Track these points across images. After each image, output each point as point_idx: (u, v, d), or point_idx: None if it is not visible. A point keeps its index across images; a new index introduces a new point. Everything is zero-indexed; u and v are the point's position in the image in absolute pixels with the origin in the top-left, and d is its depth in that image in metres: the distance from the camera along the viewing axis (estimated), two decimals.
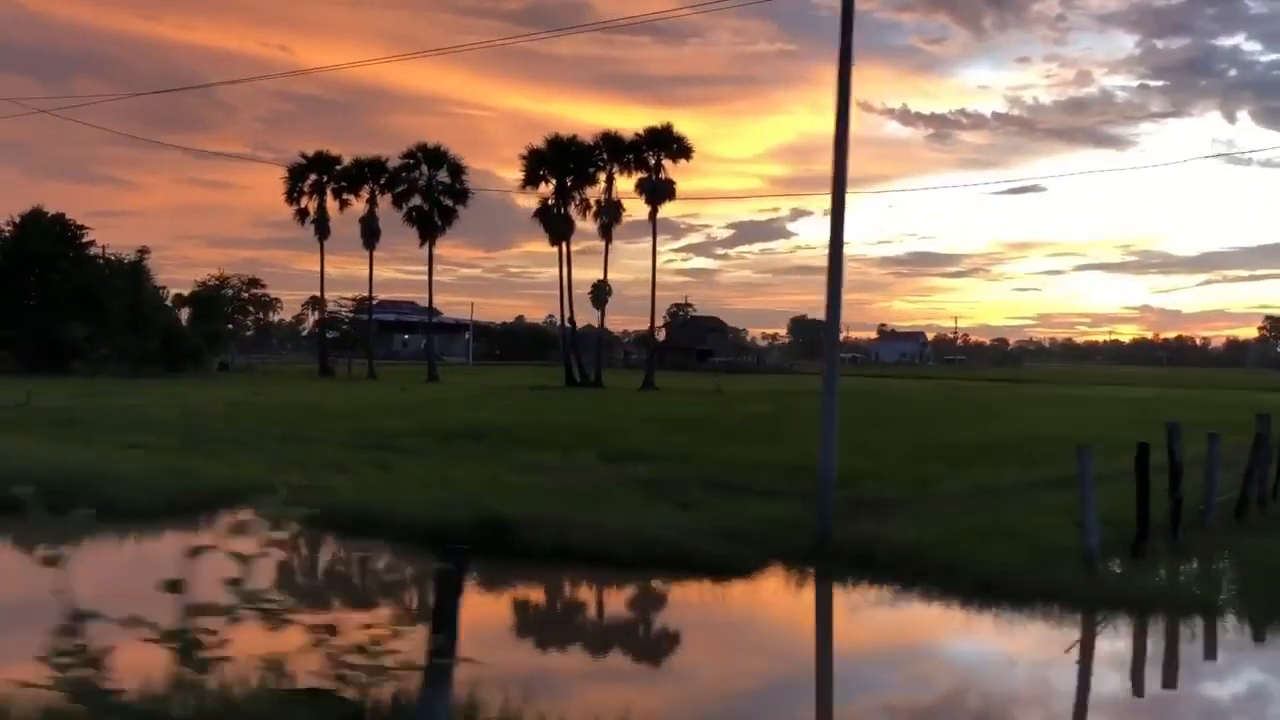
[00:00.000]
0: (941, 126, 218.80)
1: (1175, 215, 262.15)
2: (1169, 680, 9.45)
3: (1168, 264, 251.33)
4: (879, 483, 16.66)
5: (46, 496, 12.76)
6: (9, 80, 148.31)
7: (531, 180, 61.46)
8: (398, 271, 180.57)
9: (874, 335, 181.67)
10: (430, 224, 66.71)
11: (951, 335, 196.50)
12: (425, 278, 69.06)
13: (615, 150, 61.09)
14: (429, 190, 66.91)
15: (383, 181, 68.36)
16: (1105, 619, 10.39)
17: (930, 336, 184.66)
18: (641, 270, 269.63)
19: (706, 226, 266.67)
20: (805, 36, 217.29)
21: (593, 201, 62.11)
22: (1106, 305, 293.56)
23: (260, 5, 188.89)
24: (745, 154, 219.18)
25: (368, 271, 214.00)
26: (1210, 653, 10.21)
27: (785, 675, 9.43)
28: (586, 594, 12.19)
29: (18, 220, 63.32)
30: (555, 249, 63.02)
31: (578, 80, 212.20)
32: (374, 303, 78.39)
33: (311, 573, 13.41)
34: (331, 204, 70.09)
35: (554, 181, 61.44)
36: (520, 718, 6.05)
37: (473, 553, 4.96)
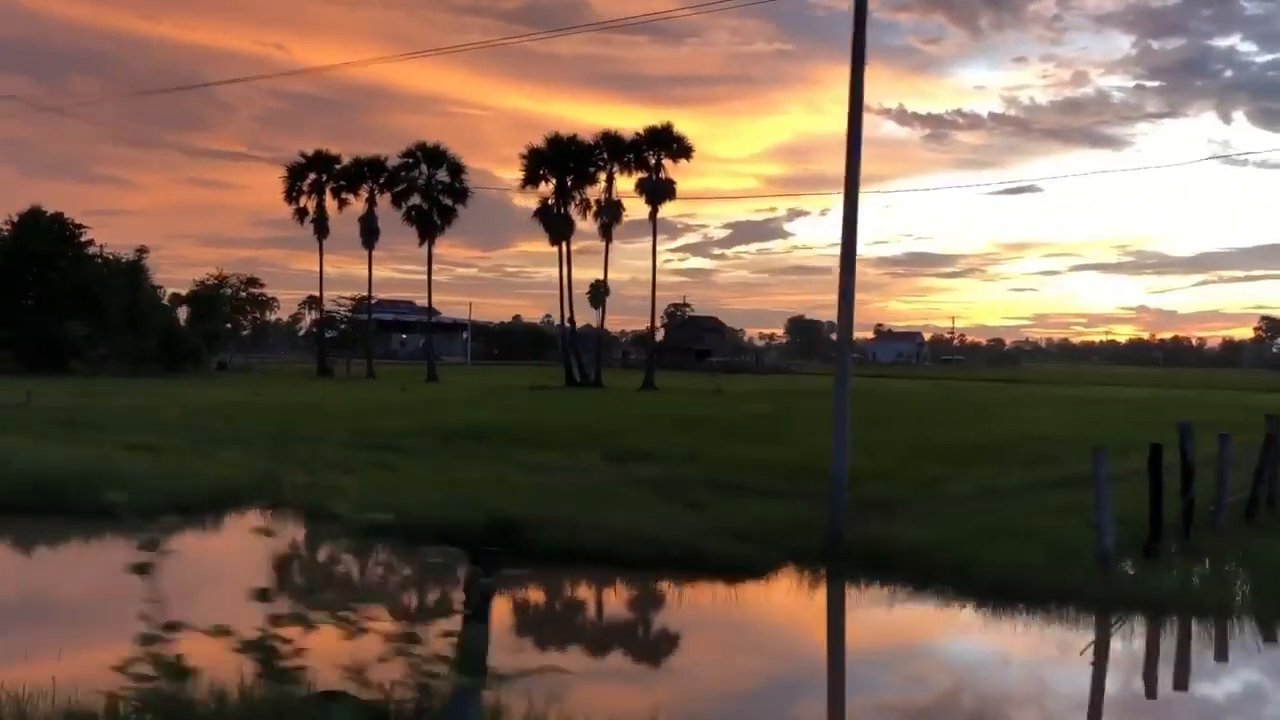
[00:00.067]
0: (938, 126, 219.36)
1: (1171, 216, 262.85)
2: (1180, 681, 9.46)
3: (1163, 264, 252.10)
4: (883, 483, 16.65)
5: (54, 496, 12.65)
6: (5, 79, 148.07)
7: (532, 180, 61.42)
8: (394, 271, 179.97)
9: (871, 335, 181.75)
10: (429, 223, 66.63)
11: (948, 335, 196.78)
12: (421, 277, 69.18)
13: (615, 150, 61.04)
14: (428, 189, 66.83)
15: (382, 181, 68.28)
16: (1120, 620, 10.38)
17: (927, 337, 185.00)
18: (639, 270, 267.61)
19: (703, 226, 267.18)
20: (802, 36, 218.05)
21: (593, 201, 62.16)
22: (1102, 306, 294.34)
23: (257, 4, 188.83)
24: (742, 154, 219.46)
25: (364, 271, 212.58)
26: (1221, 654, 10.21)
27: (807, 677, 9.42)
28: (601, 595, 12.15)
29: (16, 219, 63.19)
30: (553, 249, 63.08)
31: (575, 80, 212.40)
32: (372, 302, 78.28)
33: (329, 574, 13.37)
34: (330, 203, 70.11)
35: (554, 181, 61.37)
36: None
37: (503, 555, 4.93)
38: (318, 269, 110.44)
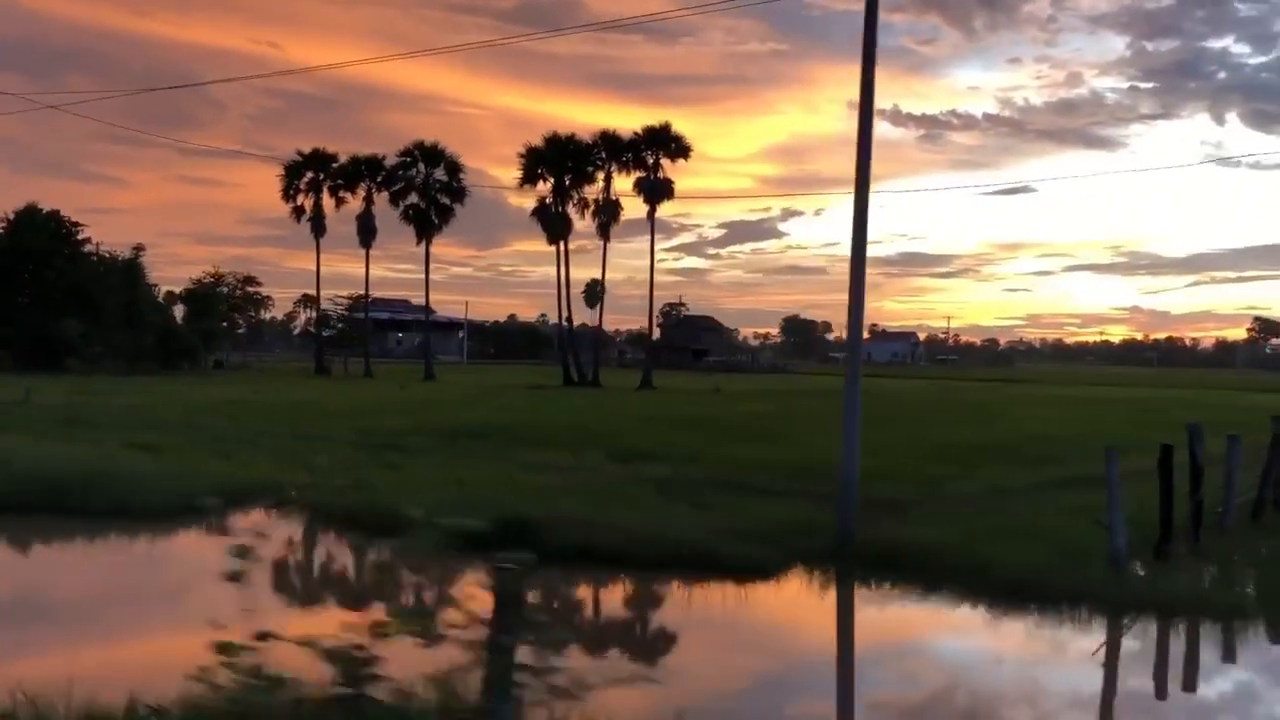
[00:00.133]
0: (932, 127, 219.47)
1: (1165, 217, 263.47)
2: (1189, 683, 9.49)
3: (1157, 265, 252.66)
4: (888, 483, 16.62)
5: (59, 495, 12.58)
6: None
7: (530, 179, 61.36)
8: (388, 270, 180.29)
9: (866, 335, 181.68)
10: (427, 222, 66.57)
11: (943, 335, 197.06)
12: (415, 276, 69.33)
13: (614, 149, 61.01)
14: (426, 188, 66.77)
15: (380, 179, 68.23)
16: (1131, 622, 10.41)
17: (921, 337, 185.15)
18: (634, 270, 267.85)
19: (698, 226, 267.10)
20: (797, 36, 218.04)
21: (591, 200, 62.11)
22: (1096, 306, 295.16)
23: (252, 2, 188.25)
24: (737, 154, 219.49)
25: (358, 269, 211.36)
26: (1229, 655, 10.25)
27: (828, 678, 9.43)
28: (618, 595, 12.12)
29: (12, 217, 62.99)
30: (547, 248, 63.05)
31: (570, 79, 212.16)
32: (368, 301, 78.15)
33: (346, 575, 13.35)
34: (327, 201, 69.99)
35: (552, 180, 61.35)
36: None
37: (534, 558, 4.89)
38: (310, 267, 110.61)
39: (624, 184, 62.00)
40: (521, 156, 61.65)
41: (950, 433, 26.59)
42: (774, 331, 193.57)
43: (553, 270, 63.91)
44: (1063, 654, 9.78)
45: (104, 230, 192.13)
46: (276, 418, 28.39)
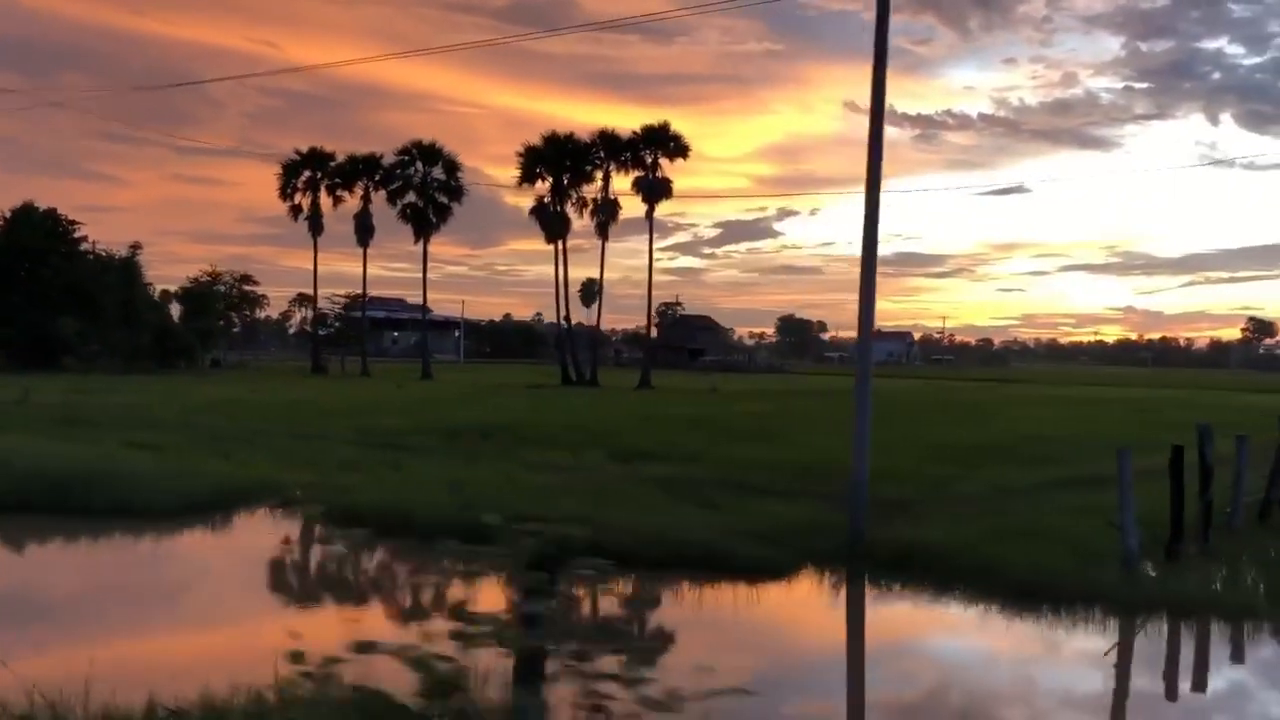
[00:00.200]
0: (928, 127, 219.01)
1: (1159, 217, 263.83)
2: (1199, 683, 9.50)
3: (1151, 265, 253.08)
4: (891, 483, 16.59)
5: (60, 494, 12.49)
6: None
7: (528, 178, 61.23)
8: (384, 268, 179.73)
9: None
10: (425, 221, 66.46)
11: (937, 335, 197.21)
12: (410, 275, 69.26)
13: (612, 148, 60.92)
14: (424, 187, 66.66)
15: (377, 178, 68.10)
16: (1143, 622, 10.41)
17: (916, 336, 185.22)
18: (628, 269, 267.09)
19: (693, 226, 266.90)
20: (793, 36, 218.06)
21: (589, 200, 62.04)
22: (1090, 306, 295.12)
23: (249, 1, 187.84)
24: (733, 153, 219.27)
25: (353, 268, 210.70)
26: (1239, 655, 10.26)
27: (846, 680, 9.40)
28: (634, 596, 12.05)
29: (9, 215, 62.75)
30: (545, 247, 62.93)
31: (565, 78, 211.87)
32: (365, 300, 77.98)
33: (361, 576, 13.27)
34: (325, 200, 69.84)
35: (550, 179, 61.26)
36: None
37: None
38: (306, 266, 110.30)
39: (622, 183, 62.08)
40: (520, 155, 61.64)
41: (948, 432, 26.58)
42: (769, 331, 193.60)
43: (548, 269, 63.88)
44: (1075, 655, 9.77)
45: (100, 229, 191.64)
46: (274, 417, 28.32)
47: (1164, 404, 44.90)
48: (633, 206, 63.25)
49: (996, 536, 12.43)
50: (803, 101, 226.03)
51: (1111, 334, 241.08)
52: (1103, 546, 11.62)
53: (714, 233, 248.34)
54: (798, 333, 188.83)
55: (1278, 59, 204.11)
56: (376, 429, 25.04)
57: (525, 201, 62.54)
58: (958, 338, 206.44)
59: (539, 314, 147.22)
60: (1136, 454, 15.54)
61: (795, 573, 11.90)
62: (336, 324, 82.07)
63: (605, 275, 65.88)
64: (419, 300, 73.49)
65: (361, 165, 68.59)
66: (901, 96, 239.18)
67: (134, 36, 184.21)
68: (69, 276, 60.55)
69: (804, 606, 11.54)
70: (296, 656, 2.88)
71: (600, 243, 63.62)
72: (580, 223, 63.51)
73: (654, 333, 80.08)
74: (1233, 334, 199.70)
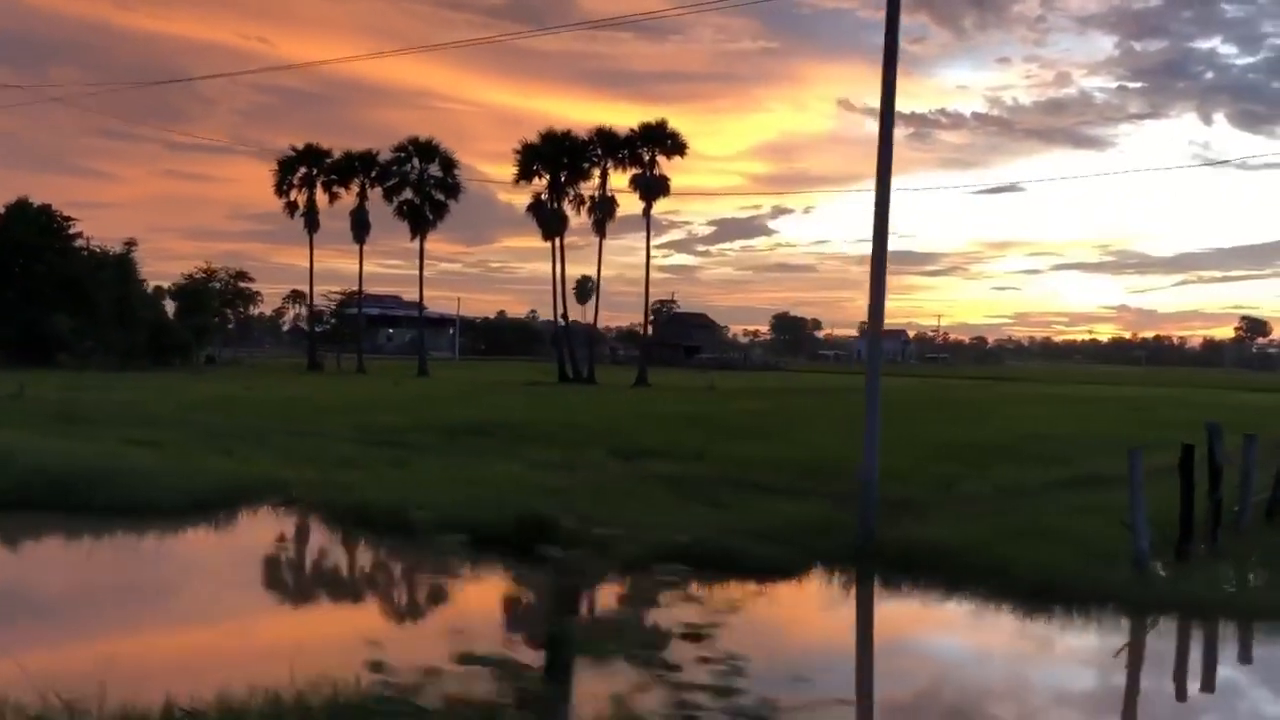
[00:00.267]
0: (921, 126, 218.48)
1: (1152, 216, 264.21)
2: (1208, 684, 9.51)
3: (1144, 264, 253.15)
4: (896, 482, 16.53)
5: (62, 492, 12.38)
6: None
7: (525, 175, 61.09)
8: (378, 265, 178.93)
9: (855, 332, 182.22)
10: (421, 218, 66.29)
11: (932, 333, 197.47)
12: (404, 272, 69.43)
13: (609, 145, 60.82)
14: (420, 184, 66.50)
15: (374, 175, 67.90)
16: (1154, 622, 10.40)
17: (911, 334, 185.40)
18: (623, 266, 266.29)
19: (688, 223, 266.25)
20: (787, 34, 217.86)
21: (586, 197, 61.96)
22: (1083, 305, 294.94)
23: None
24: (727, 151, 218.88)
25: (346, 265, 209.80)
26: (1246, 655, 10.27)
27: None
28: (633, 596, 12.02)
29: (2, 211, 62.44)
30: (539, 244, 63.23)
31: (560, 75, 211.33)
32: (362, 296, 77.75)
33: (372, 577, 13.22)
34: (320, 197, 69.62)
35: (548, 176, 61.13)
36: None
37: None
38: (298, 263, 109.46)
39: (619, 181, 62.00)
40: (517, 152, 61.51)
41: (947, 431, 26.55)
42: (764, 329, 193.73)
43: (541, 266, 63.75)
44: (1087, 655, 9.76)
45: (93, 225, 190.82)
46: (271, 414, 28.23)
47: (1159, 403, 45.00)
48: (629, 204, 63.27)
49: (1004, 536, 12.41)
50: (797, 100, 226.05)
51: (1105, 333, 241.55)
52: (1111, 546, 11.61)
53: (708, 230, 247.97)
54: (792, 330, 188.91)
55: (1271, 59, 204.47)
56: (377, 426, 24.97)
57: (519, 199, 62.66)
58: (952, 336, 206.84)
59: (533, 311, 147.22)
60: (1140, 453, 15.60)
61: (805, 572, 11.87)
62: (332, 321, 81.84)
63: (602, 273, 65.72)
64: (413, 297, 73.38)
65: (358, 162, 68.38)
66: (896, 95, 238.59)
67: (125, 32, 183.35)
68: (64, 273, 60.31)
69: (819, 607, 11.51)
70: (377, 665, 2.80)
71: (597, 240, 63.67)
72: (576, 220, 63.52)
73: (650, 330, 80.00)
74: (1226, 333, 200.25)
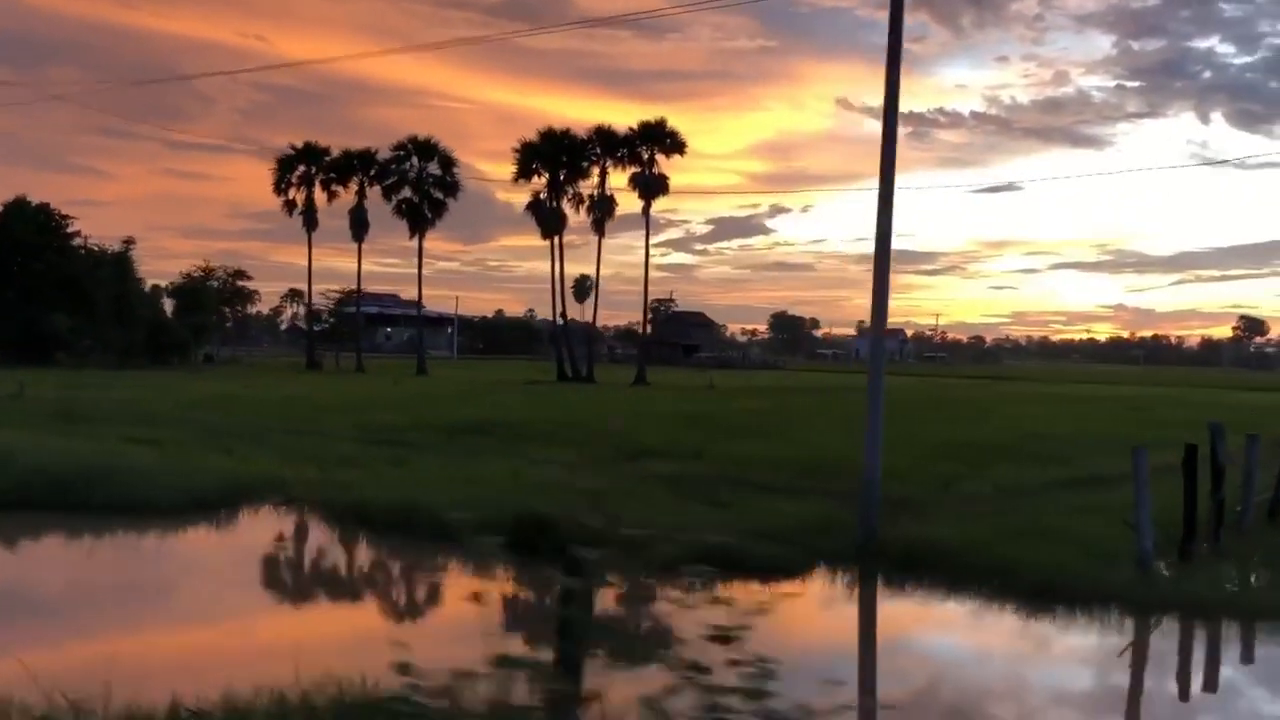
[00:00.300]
0: (920, 125, 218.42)
1: (1150, 215, 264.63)
2: (1210, 683, 9.52)
3: (1142, 263, 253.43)
4: (896, 481, 16.49)
5: (63, 491, 12.34)
6: None
7: (524, 173, 61.04)
8: (375, 264, 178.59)
9: (853, 332, 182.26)
10: (420, 216, 66.26)
11: (930, 332, 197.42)
12: (402, 271, 69.78)
13: (608, 144, 60.77)
14: (419, 182, 66.45)
15: (372, 173, 67.84)
16: (1157, 622, 10.40)
17: (909, 333, 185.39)
18: (620, 265, 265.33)
19: (685, 222, 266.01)
20: (785, 33, 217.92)
21: (585, 195, 61.94)
22: (1081, 304, 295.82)
23: None
24: (724, 150, 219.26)
25: (343, 263, 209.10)
26: (1249, 655, 10.28)
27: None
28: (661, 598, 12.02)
29: (1, 209, 62.30)
30: (537, 242, 63.30)
31: (557, 74, 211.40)
32: (360, 295, 77.71)
33: (375, 577, 13.19)
34: (319, 196, 69.57)
35: (547, 175, 61.09)
36: None
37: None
38: (295, 261, 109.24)
39: (618, 180, 61.98)
40: (516, 151, 61.46)
41: (947, 430, 26.55)
42: (762, 327, 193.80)
43: (539, 265, 63.77)
44: (1090, 655, 9.76)
45: (91, 223, 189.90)
46: (271, 413, 28.22)
47: (1157, 402, 45.04)
48: (626, 203, 63.23)
49: (1005, 536, 12.40)
50: (795, 99, 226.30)
51: (1103, 332, 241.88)
52: (1113, 546, 11.60)
53: (706, 229, 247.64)
54: (790, 329, 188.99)
55: (1268, 58, 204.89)
56: (377, 425, 24.96)
57: (517, 197, 62.60)
58: (949, 335, 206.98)
59: (531, 310, 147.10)
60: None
61: (809, 572, 11.85)
62: (331, 320, 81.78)
63: (600, 271, 65.64)
64: (411, 296, 73.36)
65: (357, 160, 68.34)
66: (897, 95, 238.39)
67: (125, 30, 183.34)
68: (62, 271, 60.22)
69: (824, 606, 11.48)
70: (404, 667, 2.77)
71: (594, 239, 63.65)
72: (574, 219, 63.49)
73: (648, 329, 79.96)
74: (1224, 332, 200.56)
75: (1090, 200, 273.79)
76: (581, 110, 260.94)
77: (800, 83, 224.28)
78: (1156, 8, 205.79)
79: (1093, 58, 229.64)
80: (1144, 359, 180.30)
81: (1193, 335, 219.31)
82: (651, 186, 60.80)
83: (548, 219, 61.51)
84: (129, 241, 66.60)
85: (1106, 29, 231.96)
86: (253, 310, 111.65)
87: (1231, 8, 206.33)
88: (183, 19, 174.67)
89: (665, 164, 61.30)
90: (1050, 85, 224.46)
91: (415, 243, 68.09)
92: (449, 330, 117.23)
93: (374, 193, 68.02)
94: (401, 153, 66.51)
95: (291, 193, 69.12)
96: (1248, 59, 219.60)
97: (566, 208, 61.96)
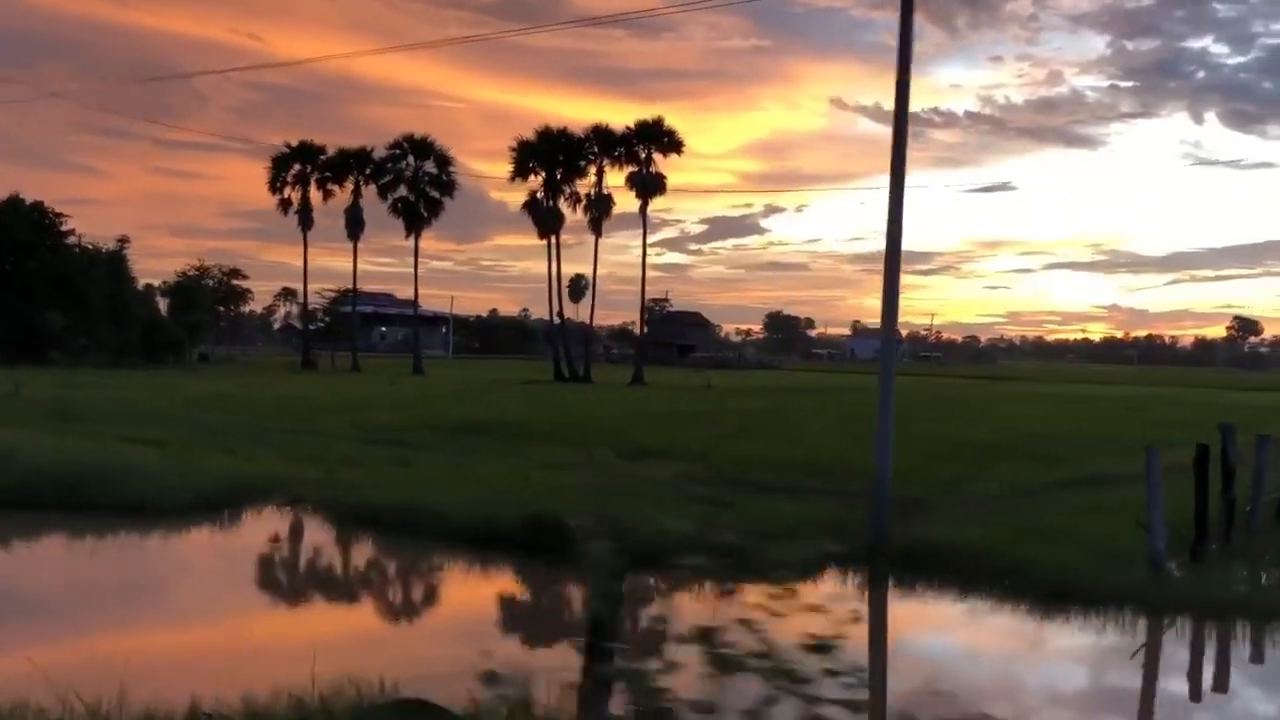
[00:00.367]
0: (914, 124, 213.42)
1: (1144, 215, 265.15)
2: (1220, 684, 9.51)
3: (1136, 263, 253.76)
4: (898, 482, 16.48)
5: (65, 491, 12.26)
6: None
7: (521, 172, 60.90)
8: (369, 263, 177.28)
9: (848, 331, 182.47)
10: (416, 215, 66.11)
11: (924, 332, 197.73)
12: (396, 270, 69.83)
13: (605, 143, 60.68)
14: (415, 181, 66.31)
15: (368, 172, 67.67)
16: (1170, 623, 10.38)
17: (904, 333, 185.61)
18: (616, 265, 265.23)
19: (680, 222, 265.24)
20: (779, 32, 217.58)
21: (582, 195, 61.87)
22: (1075, 304, 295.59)
23: None
24: (719, 149, 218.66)
25: (338, 263, 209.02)
26: (1258, 656, 10.25)
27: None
28: (670, 599, 11.94)
29: None
30: (532, 242, 63.30)
31: (552, 73, 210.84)
32: (356, 294, 77.53)
33: (385, 577, 13.11)
34: (314, 194, 69.36)
35: (543, 174, 60.99)
36: None
37: (627, 560, 4.63)
38: (289, 260, 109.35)
39: (615, 179, 61.91)
40: (513, 150, 61.33)
41: (946, 430, 26.54)
42: (757, 327, 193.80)
43: (534, 265, 63.74)
44: (1103, 656, 9.73)
45: (84, 221, 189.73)
46: (270, 412, 28.13)
47: (1152, 402, 45.14)
48: (622, 202, 63.12)
49: (1015, 536, 12.38)
50: (789, 98, 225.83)
51: (1097, 332, 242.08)
52: (1122, 546, 11.59)
53: (701, 229, 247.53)
54: (785, 329, 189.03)
55: (1262, 59, 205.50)
56: (376, 425, 24.90)
57: (511, 197, 62.58)
58: (944, 335, 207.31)
59: (525, 309, 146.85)
60: (1138, 453, 15.55)
61: (819, 573, 11.78)
62: (326, 319, 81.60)
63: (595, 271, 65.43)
64: (405, 295, 73.24)
65: (352, 159, 68.17)
66: (888, 93, 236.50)
67: (118, 28, 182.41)
68: (56, 270, 59.98)
69: (842, 606, 11.42)
70: (491, 677, 2.70)
71: (589, 239, 63.74)
72: (570, 218, 63.39)
73: (644, 329, 79.89)
74: (1218, 332, 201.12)
75: (1084, 200, 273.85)
76: (575, 109, 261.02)
77: (794, 82, 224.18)
78: (1150, 8, 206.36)
79: (1087, 58, 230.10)
80: (1138, 359, 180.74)
81: (1187, 335, 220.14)
82: (649, 186, 60.71)
83: (545, 218, 61.41)
84: (123, 240, 66.53)
85: (1100, 29, 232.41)
86: (246, 309, 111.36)
87: (1225, 8, 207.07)
88: (176, 17, 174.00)
89: (661, 163, 61.35)
90: (1044, 85, 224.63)
91: (409, 242, 68.03)
92: (444, 330, 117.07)
93: (369, 191, 68.00)
94: (397, 151, 66.40)
95: (287, 191, 68.96)
96: (1241, 59, 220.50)
97: (563, 207, 61.96)
